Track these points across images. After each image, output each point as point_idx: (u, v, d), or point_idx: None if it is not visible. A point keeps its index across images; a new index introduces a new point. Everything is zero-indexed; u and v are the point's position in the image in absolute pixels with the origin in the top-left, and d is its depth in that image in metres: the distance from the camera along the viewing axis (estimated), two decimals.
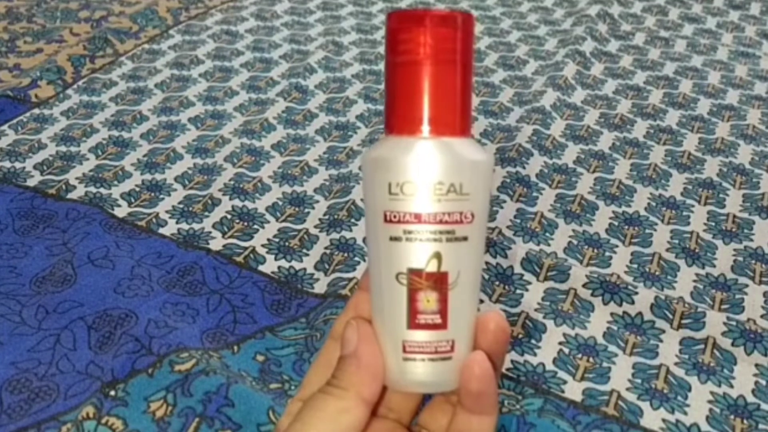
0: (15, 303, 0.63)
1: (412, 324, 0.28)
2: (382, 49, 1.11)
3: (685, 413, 0.55)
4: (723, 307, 0.65)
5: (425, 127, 0.28)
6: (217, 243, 0.71)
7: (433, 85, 0.28)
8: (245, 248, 0.70)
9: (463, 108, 0.29)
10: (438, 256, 0.28)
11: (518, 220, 0.75)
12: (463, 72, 0.28)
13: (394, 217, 0.28)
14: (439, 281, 0.28)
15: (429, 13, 0.28)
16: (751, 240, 0.73)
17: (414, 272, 0.28)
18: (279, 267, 0.68)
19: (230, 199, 0.77)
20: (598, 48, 1.13)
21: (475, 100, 0.98)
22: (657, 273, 0.68)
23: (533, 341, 0.60)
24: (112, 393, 0.54)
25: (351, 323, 0.29)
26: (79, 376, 0.56)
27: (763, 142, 0.90)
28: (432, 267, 0.28)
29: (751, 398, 0.56)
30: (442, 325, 0.28)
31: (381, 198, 0.28)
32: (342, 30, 1.17)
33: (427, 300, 0.28)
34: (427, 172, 0.27)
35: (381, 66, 1.06)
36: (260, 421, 0.51)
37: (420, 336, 0.28)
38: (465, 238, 0.28)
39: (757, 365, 0.59)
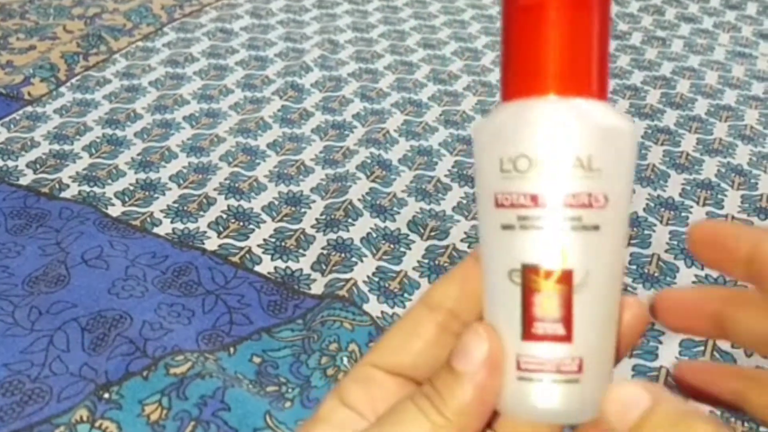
0: (7, 303, 0.62)
1: (528, 334, 0.23)
2: (378, 48, 1.11)
3: None
4: None
5: (546, 88, 0.22)
6: (212, 243, 0.70)
7: (562, 33, 0.22)
8: (241, 248, 0.70)
9: (600, 63, 0.23)
10: (560, 248, 0.22)
11: None
12: (600, 18, 0.23)
13: (506, 200, 0.22)
14: (562, 281, 0.22)
15: None
16: None
17: (530, 269, 0.22)
18: (275, 267, 0.67)
19: (225, 198, 0.76)
20: None
21: (472, 100, 0.98)
22: (656, 274, 0.68)
23: None
24: (106, 395, 0.53)
25: (479, 331, 0.23)
26: (72, 378, 0.55)
27: (761, 143, 0.90)
28: (553, 263, 0.22)
29: None
30: (566, 338, 0.22)
31: (491, 177, 0.23)
32: (338, 28, 1.17)
33: (547, 305, 0.23)
34: (544, 141, 0.22)
35: (377, 65, 1.06)
36: (256, 425, 0.50)
37: (537, 350, 0.23)
38: (596, 227, 0.22)
39: (757, 366, 0.58)
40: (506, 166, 0.22)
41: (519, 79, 0.23)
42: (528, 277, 0.22)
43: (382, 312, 0.62)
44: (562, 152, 0.22)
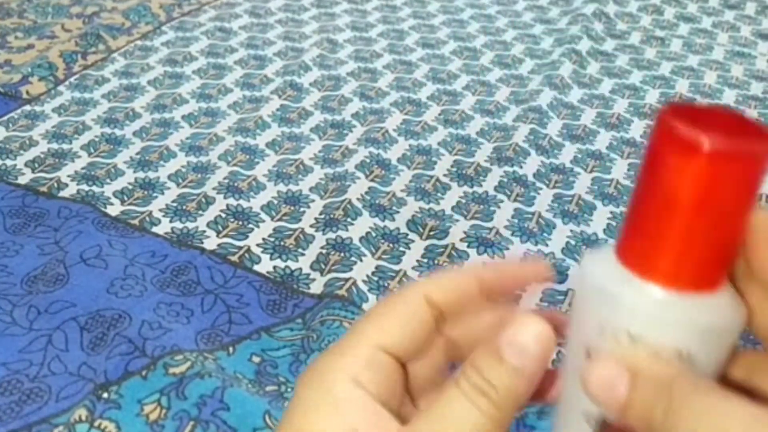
0: (6, 302, 0.62)
1: None
2: (377, 47, 1.11)
3: None
4: None
5: (661, 274, 0.22)
6: (211, 242, 0.70)
7: (694, 233, 0.22)
8: (240, 248, 0.69)
9: (723, 257, 0.22)
10: None
11: (516, 220, 0.74)
12: (739, 215, 0.22)
13: (599, 357, 0.23)
14: None
15: (716, 140, 0.20)
16: None
17: (605, 425, 0.23)
18: (274, 267, 0.67)
19: (225, 197, 0.76)
20: (594, 47, 1.12)
21: (471, 99, 0.98)
22: None
23: None
24: (105, 395, 0.53)
25: (534, 326, 0.23)
26: (71, 378, 0.55)
27: None
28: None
29: None
30: None
31: (589, 330, 0.23)
32: (337, 27, 1.16)
33: None
34: (644, 328, 0.22)
35: (377, 64, 1.06)
36: (256, 425, 0.50)
37: None
38: None
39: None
40: (606, 330, 0.22)
41: (639, 253, 0.22)
42: (603, 429, 0.23)
43: None
44: (663, 344, 0.22)
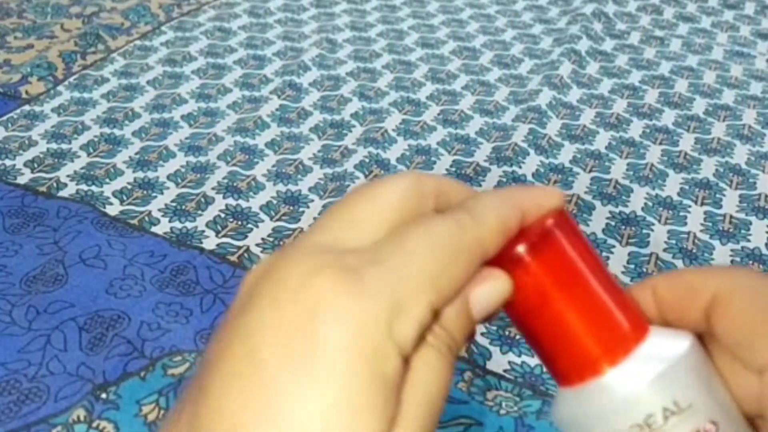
0: (5, 302, 0.62)
1: None
2: (377, 47, 1.11)
3: None
4: None
5: (594, 368, 0.22)
6: (210, 242, 0.70)
7: (571, 318, 0.22)
8: (239, 247, 0.69)
9: (623, 310, 0.23)
10: None
11: None
12: (594, 275, 0.23)
13: None
14: None
15: (523, 249, 0.22)
16: (749, 240, 0.73)
17: None
18: None
19: (224, 197, 0.76)
20: (593, 47, 1.12)
21: (471, 99, 0.98)
22: (654, 273, 0.68)
23: None
24: (104, 396, 0.53)
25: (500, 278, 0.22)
26: (69, 378, 0.55)
27: (759, 143, 0.90)
28: None
29: None
30: None
31: None
32: (336, 27, 1.16)
33: None
34: (621, 418, 0.22)
35: (376, 64, 1.06)
36: None
37: None
38: None
39: None
40: None
41: (568, 367, 0.23)
42: None
43: None
44: (641, 418, 0.22)
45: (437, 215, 0.22)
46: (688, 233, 0.74)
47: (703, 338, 0.24)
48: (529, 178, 0.81)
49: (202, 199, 0.76)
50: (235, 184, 0.78)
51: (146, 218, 0.73)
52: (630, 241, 0.72)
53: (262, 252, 0.69)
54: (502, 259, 0.22)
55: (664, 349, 0.22)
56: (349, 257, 0.20)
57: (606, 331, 0.22)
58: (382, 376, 0.19)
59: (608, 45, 1.14)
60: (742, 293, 0.23)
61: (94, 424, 0.51)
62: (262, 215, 0.74)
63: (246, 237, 0.71)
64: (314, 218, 0.74)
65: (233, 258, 0.68)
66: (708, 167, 0.84)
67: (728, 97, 1.00)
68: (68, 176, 0.79)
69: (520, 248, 0.22)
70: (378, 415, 0.19)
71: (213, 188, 0.78)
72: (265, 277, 0.21)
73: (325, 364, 0.19)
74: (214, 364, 0.20)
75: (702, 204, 0.78)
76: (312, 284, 0.19)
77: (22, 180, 0.78)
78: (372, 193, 0.22)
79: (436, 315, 0.21)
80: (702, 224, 0.75)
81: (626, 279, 0.67)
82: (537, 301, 0.22)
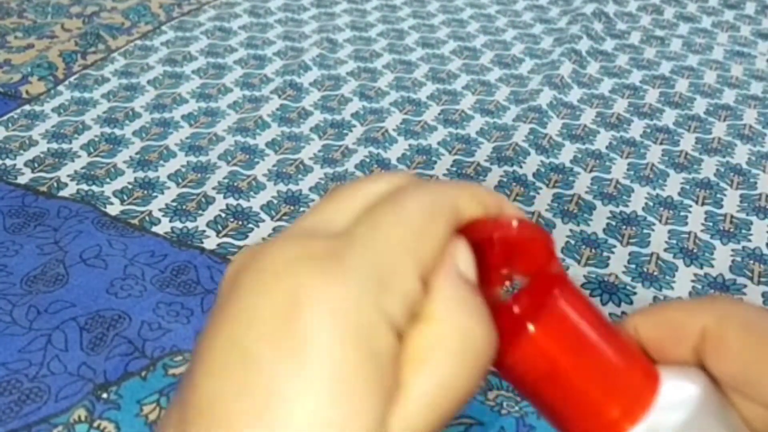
0: (6, 302, 0.62)
1: None
2: (377, 47, 1.11)
3: None
4: None
5: (620, 424, 0.22)
6: (211, 242, 0.70)
7: (586, 385, 0.22)
8: (240, 247, 0.69)
9: (633, 364, 0.22)
10: None
11: None
12: (601, 334, 0.22)
13: None
14: None
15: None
16: (749, 240, 0.73)
17: None
18: None
19: (224, 197, 0.76)
20: (593, 47, 1.12)
21: (471, 99, 0.98)
22: (655, 273, 0.68)
23: None
24: (105, 395, 0.53)
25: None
26: (70, 378, 0.55)
27: (760, 142, 0.90)
28: None
29: None
30: None
31: None
32: (336, 27, 1.16)
33: None
34: None
35: (376, 63, 1.06)
36: None
37: None
38: None
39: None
40: None
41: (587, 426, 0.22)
42: None
43: None
44: None
45: (404, 189, 0.22)
46: (689, 233, 0.73)
47: None
48: (530, 177, 0.81)
49: (203, 199, 0.76)
50: (235, 184, 0.78)
51: (147, 218, 0.73)
52: (631, 241, 0.72)
53: None
54: (505, 329, 0.21)
55: (679, 393, 0.22)
56: (327, 241, 0.20)
57: (622, 390, 0.22)
58: (375, 355, 0.19)
59: (609, 45, 1.14)
60: (734, 327, 0.22)
61: (95, 424, 0.51)
62: (263, 215, 0.74)
63: (247, 237, 0.71)
64: None
65: (234, 258, 0.68)
66: (709, 167, 0.84)
67: (729, 96, 1.00)
68: (69, 176, 0.78)
69: (529, 325, 0.21)
70: (373, 395, 0.18)
71: (213, 188, 0.78)
72: (246, 267, 0.20)
73: (313, 350, 0.18)
74: (201, 357, 0.19)
75: (703, 204, 0.78)
76: (293, 271, 0.19)
77: (22, 180, 0.78)
78: (358, 185, 0.22)
79: (426, 285, 0.20)
80: (703, 224, 0.75)
81: (627, 279, 0.67)
82: (546, 371, 0.21)
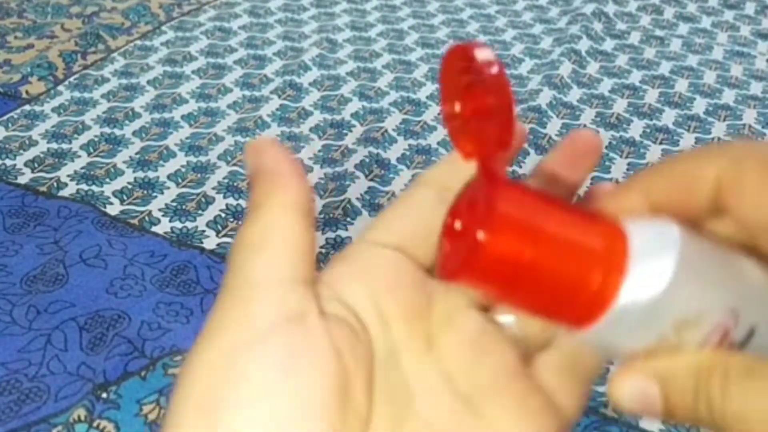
0: (5, 302, 0.62)
1: None
2: (377, 47, 1.11)
3: None
4: None
5: (603, 294, 0.20)
6: (210, 242, 0.70)
7: (551, 268, 0.20)
8: None
9: (598, 232, 0.21)
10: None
11: None
12: (555, 214, 0.21)
13: None
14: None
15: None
16: None
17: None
18: None
19: (224, 197, 0.76)
20: (593, 47, 1.12)
21: None
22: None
23: None
24: (104, 395, 0.53)
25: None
26: (70, 378, 0.55)
27: (759, 142, 0.89)
28: None
29: None
30: None
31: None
32: (336, 27, 1.16)
33: None
34: (643, 333, 0.20)
35: (376, 63, 1.06)
36: None
37: None
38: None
39: None
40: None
41: (578, 312, 0.21)
42: None
43: None
44: (706, 309, 0.20)
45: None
46: None
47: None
48: None
49: (203, 199, 0.76)
50: (235, 184, 0.78)
51: (146, 218, 0.73)
52: None
53: None
54: (458, 246, 0.21)
55: (656, 238, 0.20)
56: None
57: (593, 258, 0.20)
58: (307, 333, 0.20)
59: (608, 45, 1.14)
60: (754, 167, 0.19)
61: (95, 424, 0.51)
62: None
63: None
64: (314, 218, 0.74)
65: None
66: None
67: (728, 96, 1.00)
68: (68, 176, 0.79)
69: (479, 234, 0.20)
70: (320, 364, 0.20)
71: (213, 188, 0.78)
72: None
73: (260, 335, 0.20)
74: (189, 356, 0.21)
75: None
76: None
77: (22, 180, 0.78)
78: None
79: None
80: None
81: None
82: (511, 272, 0.20)
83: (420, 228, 0.24)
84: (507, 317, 0.24)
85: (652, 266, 0.20)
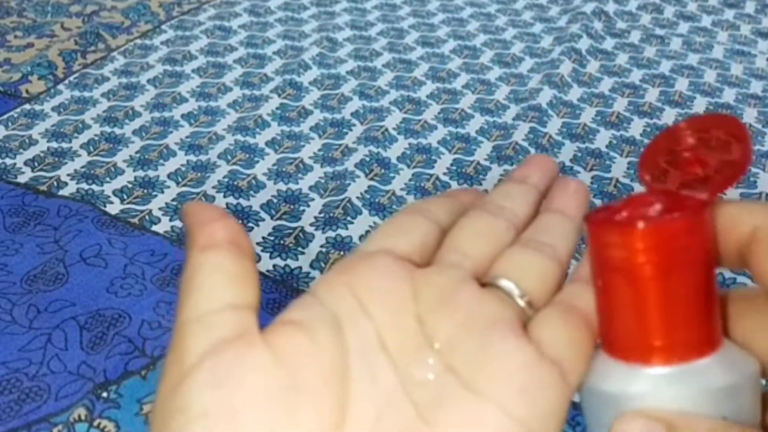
0: (6, 301, 0.62)
1: None
2: (377, 46, 1.11)
3: None
4: None
5: (657, 353, 0.22)
6: None
7: (662, 300, 0.21)
8: None
9: (707, 317, 0.22)
10: None
11: None
12: (701, 274, 0.22)
13: None
14: None
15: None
16: None
17: None
18: (274, 265, 0.67)
19: (224, 196, 0.76)
20: (593, 46, 1.12)
21: (471, 98, 0.98)
22: None
23: None
24: (105, 394, 0.53)
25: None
26: (70, 377, 0.55)
27: (759, 141, 0.90)
28: None
29: None
30: None
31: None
32: (336, 26, 1.16)
33: None
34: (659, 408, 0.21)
35: (376, 62, 1.06)
36: None
37: None
38: None
39: None
40: None
41: (627, 340, 0.22)
42: None
43: None
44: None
45: None
46: None
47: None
48: None
49: (203, 198, 0.76)
50: (235, 183, 0.78)
51: (147, 217, 0.73)
52: None
53: (262, 251, 0.69)
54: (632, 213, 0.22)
55: (724, 370, 0.21)
56: None
57: (679, 328, 0.21)
58: (243, 350, 0.22)
59: (609, 44, 1.14)
60: None
61: (95, 423, 0.51)
62: (263, 214, 0.74)
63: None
64: (314, 217, 0.74)
65: None
66: None
67: (729, 95, 1.00)
68: (69, 175, 0.78)
69: (639, 222, 0.21)
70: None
71: (213, 187, 0.78)
72: None
73: (191, 366, 0.22)
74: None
75: None
76: None
77: (22, 179, 0.78)
78: None
79: None
80: None
81: None
82: (629, 268, 0.21)
83: (408, 235, 0.26)
84: (508, 282, 0.24)
85: (728, 364, 0.21)
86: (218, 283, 0.22)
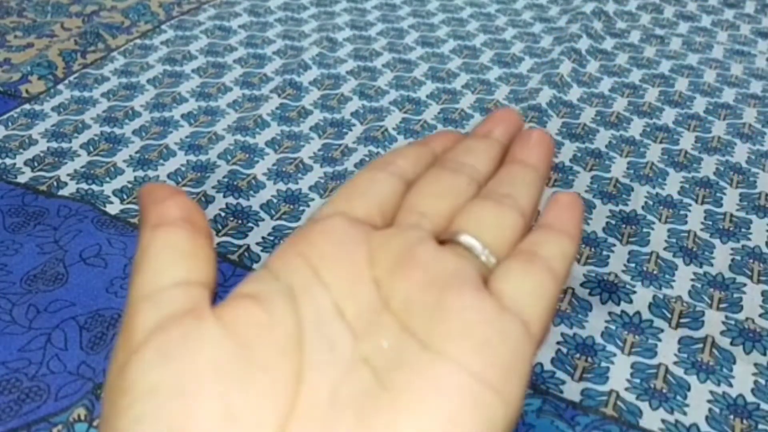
0: (5, 301, 0.62)
1: None
2: (377, 46, 1.11)
3: (685, 413, 0.54)
4: (721, 306, 0.64)
5: None
6: None
7: None
8: (240, 246, 0.69)
9: None
10: None
11: None
12: None
13: None
14: None
15: None
16: (749, 239, 0.73)
17: None
18: None
19: (224, 196, 0.76)
20: (593, 46, 1.12)
21: (471, 98, 0.98)
22: (655, 272, 0.68)
23: None
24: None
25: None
26: (70, 377, 0.55)
27: (759, 141, 0.90)
28: None
29: (750, 398, 0.56)
30: None
31: None
32: (336, 26, 1.16)
33: None
34: None
35: (376, 62, 1.06)
36: None
37: None
38: None
39: (756, 364, 0.58)
40: None
41: None
42: None
43: None
44: None
45: None
46: (689, 232, 0.73)
47: None
48: None
49: (203, 198, 0.76)
50: (235, 183, 0.78)
51: None
52: (630, 239, 0.72)
53: (262, 251, 0.69)
54: None
55: None
56: None
57: None
58: (192, 326, 0.22)
59: (608, 44, 1.14)
60: None
61: (95, 423, 0.51)
62: (263, 214, 0.74)
63: (246, 236, 0.71)
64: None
65: (233, 257, 0.68)
66: (708, 166, 0.84)
67: (728, 95, 1.00)
68: (68, 175, 0.79)
69: None
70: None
71: (213, 187, 0.78)
72: None
73: (139, 343, 0.22)
74: None
75: (702, 203, 0.78)
76: None
77: (22, 179, 0.78)
78: None
79: None
80: (702, 223, 0.75)
81: (627, 278, 0.67)
82: None
83: (366, 195, 0.25)
84: (467, 237, 0.24)
85: None
86: (169, 260, 0.22)
